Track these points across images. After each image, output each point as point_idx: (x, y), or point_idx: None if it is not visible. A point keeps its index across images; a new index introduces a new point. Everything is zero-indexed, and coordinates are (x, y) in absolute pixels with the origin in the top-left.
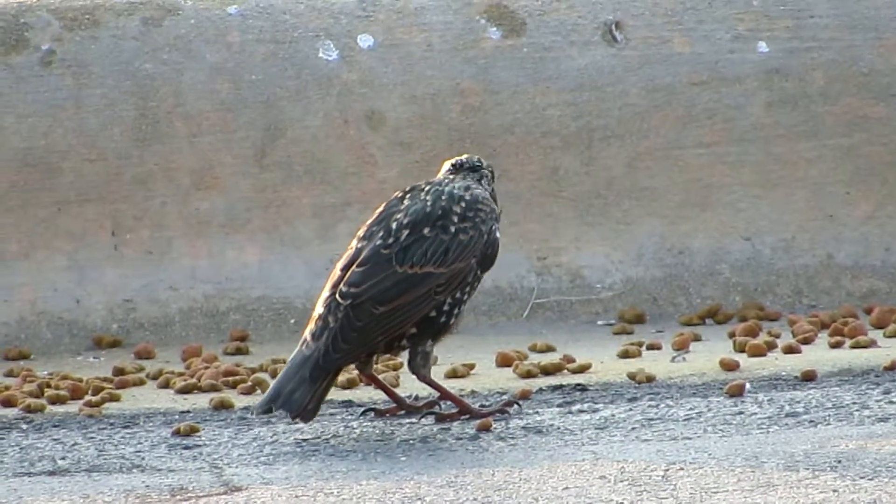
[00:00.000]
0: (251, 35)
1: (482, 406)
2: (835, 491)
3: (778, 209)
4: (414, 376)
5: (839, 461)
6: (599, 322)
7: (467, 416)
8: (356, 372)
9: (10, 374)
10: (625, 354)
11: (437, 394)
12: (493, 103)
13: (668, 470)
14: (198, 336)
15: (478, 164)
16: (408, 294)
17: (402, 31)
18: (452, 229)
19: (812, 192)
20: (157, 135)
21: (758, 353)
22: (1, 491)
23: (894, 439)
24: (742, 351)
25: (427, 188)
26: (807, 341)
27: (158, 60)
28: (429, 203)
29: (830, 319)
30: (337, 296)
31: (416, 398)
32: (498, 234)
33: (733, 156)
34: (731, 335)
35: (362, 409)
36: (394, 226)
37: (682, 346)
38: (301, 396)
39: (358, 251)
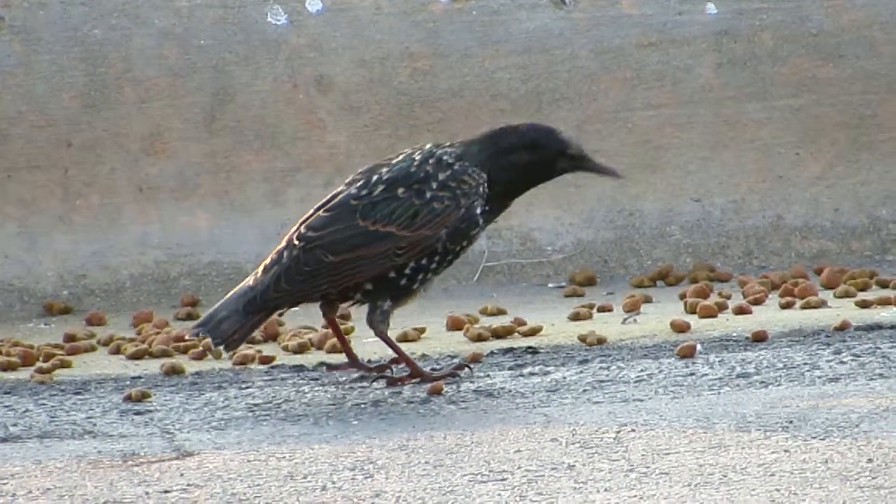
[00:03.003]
0: (199, 0)
1: (433, 370)
2: (786, 451)
3: (727, 170)
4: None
5: (790, 421)
6: (550, 285)
7: (418, 380)
8: (323, 320)
9: None
10: (576, 317)
11: (391, 355)
12: (442, 67)
13: (619, 432)
14: (149, 302)
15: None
16: (363, 249)
17: None
18: (428, 195)
19: (761, 154)
20: (107, 101)
21: (708, 314)
22: None
23: (845, 399)
24: (693, 312)
25: (428, 148)
26: (757, 302)
27: (107, 26)
28: (415, 164)
29: (781, 280)
30: (295, 236)
31: (369, 363)
32: (479, 212)
33: (682, 118)
34: (682, 297)
35: (314, 365)
36: (374, 178)
37: (632, 308)
38: (229, 326)
39: (333, 196)
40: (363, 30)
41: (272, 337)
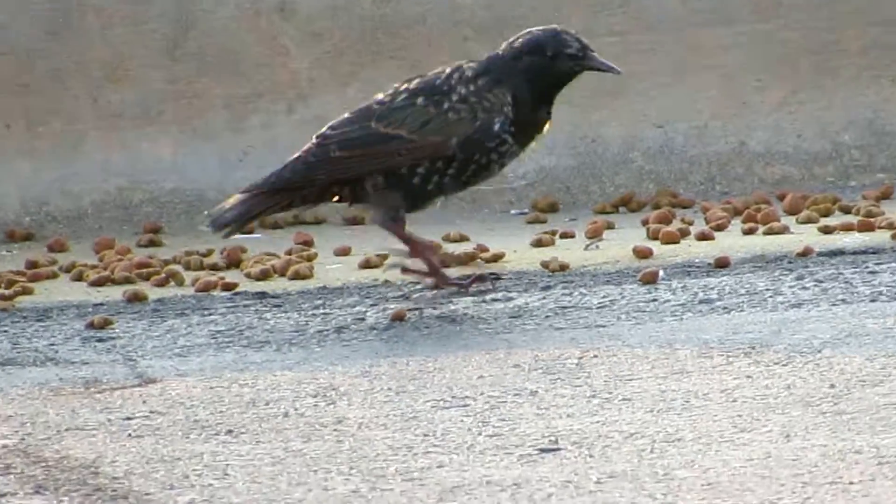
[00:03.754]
0: None
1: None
2: (748, 377)
3: (690, 97)
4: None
5: (753, 347)
6: (513, 211)
7: (439, 285)
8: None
9: None
10: (538, 243)
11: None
12: None
13: (581, 358)
14: (111, 229)
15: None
16: (369, 148)
17: None
18: (445, 105)
19: (724, 80)
20: (69, 28)
21: (671, 240)
22: None
23: (808, 325)
24: (655, 238)
25: (458, 64)
26: (720, 228)
27: None
28: (441, 77)
29: (743, 206)
30: (316, 134)
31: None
32: (497, 128)
33: (645, 44)
34: (645, 223)
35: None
36: (402, 87)
37: (595, 235)
38: (232, 216)
39: (372, 102)
40: None
41: (235, 263)
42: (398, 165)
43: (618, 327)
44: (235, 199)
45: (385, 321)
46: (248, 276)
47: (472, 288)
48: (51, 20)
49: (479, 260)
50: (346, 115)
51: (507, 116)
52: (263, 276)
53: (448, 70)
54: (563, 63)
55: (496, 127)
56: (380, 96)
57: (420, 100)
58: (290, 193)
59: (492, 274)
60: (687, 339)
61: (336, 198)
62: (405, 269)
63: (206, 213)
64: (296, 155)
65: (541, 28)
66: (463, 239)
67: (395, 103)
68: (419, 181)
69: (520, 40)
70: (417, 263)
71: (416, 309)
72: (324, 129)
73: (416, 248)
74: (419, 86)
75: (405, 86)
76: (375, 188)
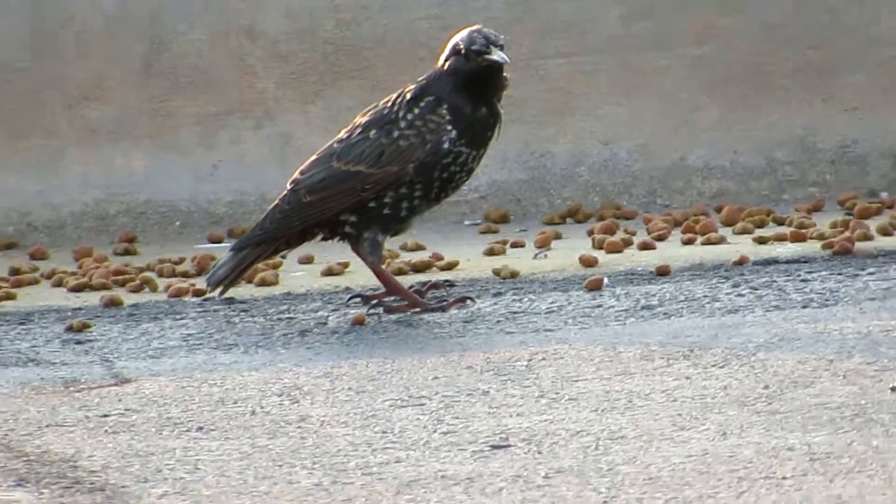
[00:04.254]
0: None
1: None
2: (688, 378)
3: (633, 115)
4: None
5: (692, 350)
6: (466, 222)
7: (416, 309)
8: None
9: None
10: (490, 252)
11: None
12: (364, 17)
13: (531, 360)
14: (89, 238)
15: (462, 46)
16: (334, 188)
17: None
18: (395, 134)
19: (665, 100)
20: (49, 49)
21: (615, 249)
22: None
23: (743, 330)
24: (600, 248)
25: (401, 90)
26: (661, 238)
27: None
28: (388, 105)
29: (683, 217)
30: (290, 179)
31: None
32: (447, 146)
33: (591, 66)
34: (590, 233)
35: (349, 296)
36: (358, 122)
37: (543, 244)
38: (224, 272)
39: (333, 141)
40: None
41: (205, 270)
42: (365, 200)
43: (565, 331)
44: (226, 256)
45: (346, 325)
46: None
47: (451, 309)
48: (31, 41)
49: (434, 267)
50: (314, 156)
51: (451, 132)
52: None
53: (393, 97)
54: (472, 59)
55: (445, 145)
56: (342, 133)
57: (373, 132)
58: (274, 242)
59: (446, 281)
60: (630, 343)
61: (319, 237)
62: (388, 308)
63: (177, 222)
64: (273, 203)
65: (462, 30)
66: (419, 248)
67: (353, 139)
68: (389, 210)
69: (447, 47)
70: (398, 300)
71: (375, 314)
72: (295, 175)
73: (393, 285)
74: (372, 118)
75: (360, 119)
76: (352, 225)
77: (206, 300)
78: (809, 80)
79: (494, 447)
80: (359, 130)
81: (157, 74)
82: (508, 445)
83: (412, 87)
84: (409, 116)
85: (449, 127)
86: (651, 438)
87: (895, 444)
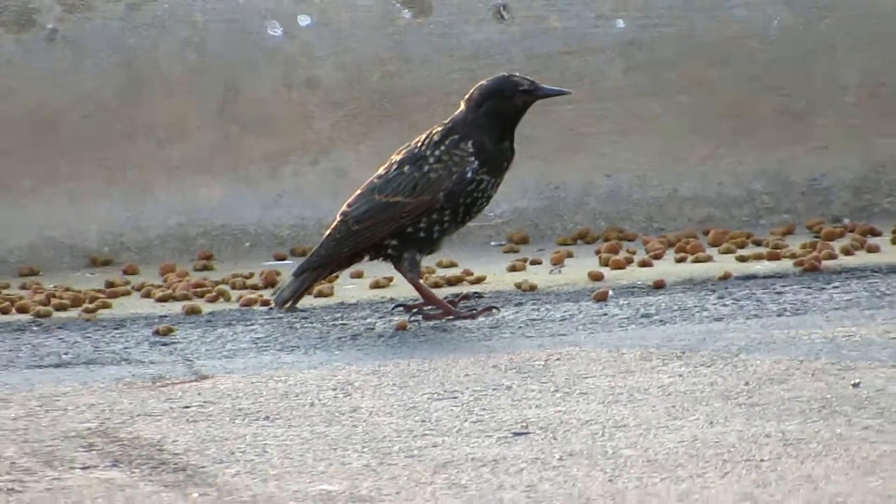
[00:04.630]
0: (211, 16)
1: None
2: (680, 375)
3: (633, 152)
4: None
5: (683, 352)
6: (492, 243)
7: (451, 317)
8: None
9: (23, 287)
10: (512, 269)
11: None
12: (406, 70)
13: (547, 360)
14: (172, 256)
15: (480, 92)
16: (377, 217)
17: (333, 12)
18: (426, 168)
19: (660, 139)
20: (140, 96)
21: (618, 266)
22: (17, 380)
23: (727, 334)
24: (606, 265)
25: (430, 131)
26: (657, 257)
27: (139, 36)
28: (418, 145)
29: (676, 239)
30: (340, 211)
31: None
32: (469, 176)
33: (597, 111)
34: (597, 252)
35: (394, 305)
36: (394, 159)
37: (558, 262)
38: (289, 293)
39: (373, 177)
40: (343, 40)
41: (271, 284)
42: (404, 226)
43: (576, 336)
44: (289, 279)
45: (391, 330)
46: None
47: (480, 317)
48: (125, 89)
49: (465, 281)
50: (358, 191)
51: (474, 163)
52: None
53: (422, 137)
54: (518, 99)
55: (469, 174)
56: (381, 170)
57: (406, 168)
58: (328, 266)
59: (475, 293)
60: (631, 346)
61: (367, 258)
62: (426, 316)
63: (247, 243)
64: (327, 233)
65: (489, 79)
66: (453, 265)
67: (390, 174)
68: (424, 233)
69: (476, 93)
70: (434, 309)
71: (415, 321)
72: (343, 207)
73: (430, 296)
74: (405, 155)
75: (395, 157)
76: (393, 248)
77: (272, 309)
78: (783, 124)
79: (516, 434)
80: (395, 167)
81: (231, 118)
82: (528, 432)
83: (438, 128)
84: (437, 152)
85: (472, 159)
86: (649, 427)
87: (856, 431)
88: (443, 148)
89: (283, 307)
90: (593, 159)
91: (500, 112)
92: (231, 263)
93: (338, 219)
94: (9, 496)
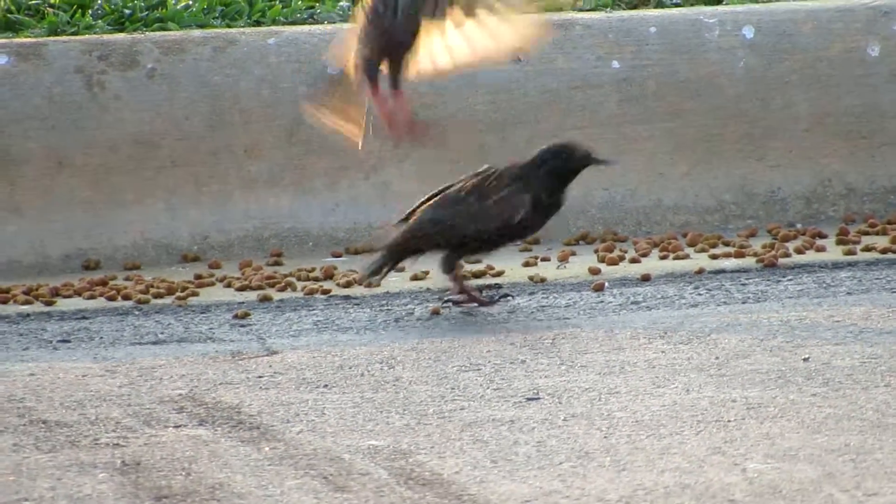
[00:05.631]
0: (283, 57)
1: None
2: (662, 352)
3: (626, 170)
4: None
5: (665, 332)
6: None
7: (475, 304)
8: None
9: (127, 279)
10: (526, 264)
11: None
12: (440, 101)
13: (554, 339)
14: (249, 254)
15: (542, 158)
16: (433, 230)
17: None
18: (488, 203)
19: (648, 159)
20: (223, 123)
21: (613, 262)
22: (121, 355)
23: (702, 318)
24: (603, 262)
25: (505, 172)
26: (644, 255)
27: (223, 74)
28: (490, 178)
29: (660, 241)
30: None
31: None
32: (518, 220)
33: (596, 135)
34: (596, 251)
35: (441, 298)
36: (467, 183)
37: (563, 259)
38: (373, 267)
39: (438, 192)
40: None
41: (329, 277)
42: (453, 241)
43: (578, 320)
44: (375, 255)
45: (427, 315)
46: (338, 285)
47: (498, 303)
48: (211, 118)
49: (488, 275)
50: (423, 205)
51: (526, 213)
52: (348, 285)
53: (495, 173)
54: (576, 162)
55: (517, 219)
56: (452, 189)
57: (471, 198)
58: (393, 262)
59: (496, 285)
60: (623, 328)
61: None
62: (456, 303)
63: (310, 243)
64: (391, 238)
65: (553, 143)
66: (477, 261)
67: (457, 197)
68: (468, 251)
69: (542, 152)
70: (462, 297)
71: (447, 307)
72: (406, 215)
73: (462, 286)
74: (474, 184)
75: (468, 182)
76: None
77: (330, 297)
78: (747, 147)
79: (529, 399)
80: (463, 193)
81: (297, 141)
82: (539, 398)
83: (513, 171)
84: (503, 193)
85: (525, 209)
86: (637, 393)
87: (806, 397)
88: (507, 191)
89: (369, 277)
90: (593, 175)
91: (559, 171)
92: (297, 260)
93: (399, 226)
94: (114, 450)
